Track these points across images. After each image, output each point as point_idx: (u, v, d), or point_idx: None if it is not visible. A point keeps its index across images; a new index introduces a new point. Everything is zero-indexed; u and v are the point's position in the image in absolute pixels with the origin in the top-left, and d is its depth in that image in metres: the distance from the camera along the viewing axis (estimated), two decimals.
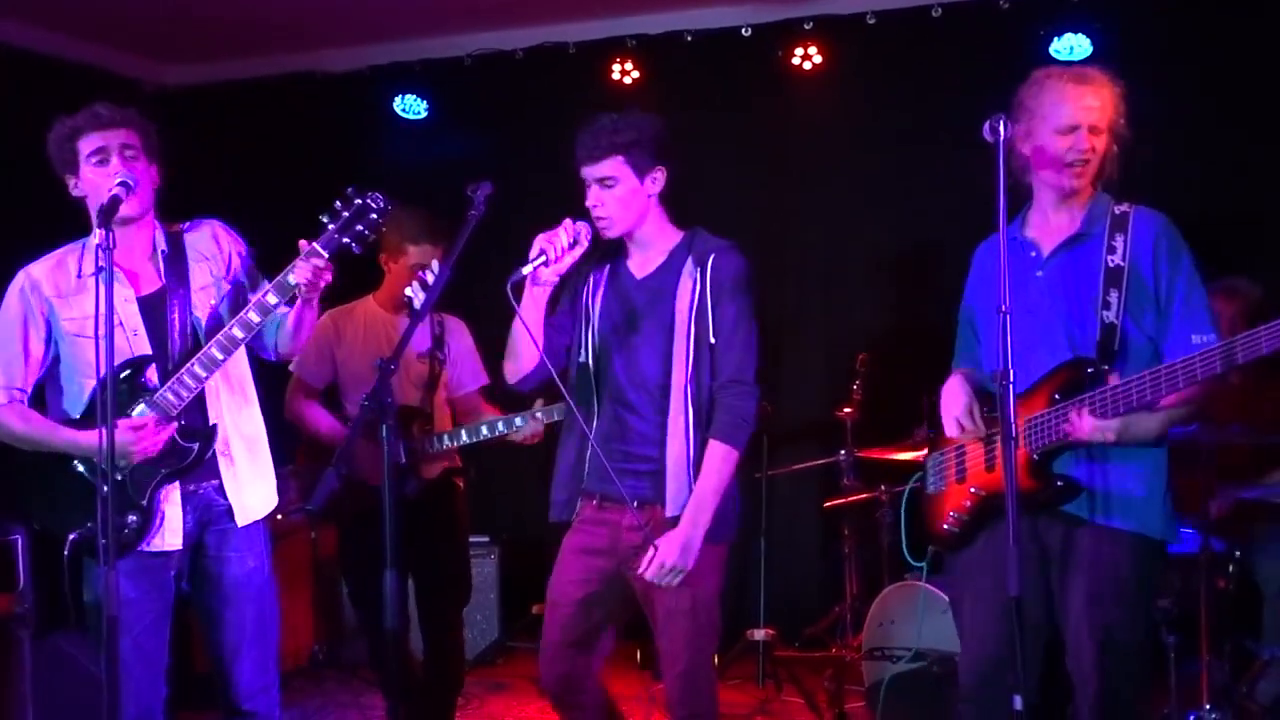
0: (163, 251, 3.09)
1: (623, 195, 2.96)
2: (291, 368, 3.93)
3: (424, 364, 3.97)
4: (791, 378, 5.75)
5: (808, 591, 5.68)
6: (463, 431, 3.92)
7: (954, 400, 2.91)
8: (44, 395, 3.10)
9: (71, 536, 2.96)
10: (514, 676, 5.41)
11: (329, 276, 3.01)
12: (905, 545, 3.31)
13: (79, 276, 3.03)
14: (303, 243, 3.00)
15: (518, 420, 3.85)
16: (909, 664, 4.15)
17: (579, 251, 2.97)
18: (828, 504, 4.95)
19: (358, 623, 4.59)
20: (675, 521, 2.90)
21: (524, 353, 3.01)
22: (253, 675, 3.10)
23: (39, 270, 3.06)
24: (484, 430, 3.89)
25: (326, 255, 2.98)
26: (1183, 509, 4.01)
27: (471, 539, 4.35)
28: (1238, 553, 3.91)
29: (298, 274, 2.97)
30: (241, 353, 3.12)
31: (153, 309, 3.04)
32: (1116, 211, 2.79)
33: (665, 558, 2.85)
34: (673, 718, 3.03)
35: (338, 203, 3.02)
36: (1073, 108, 2.73)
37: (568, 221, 2.96)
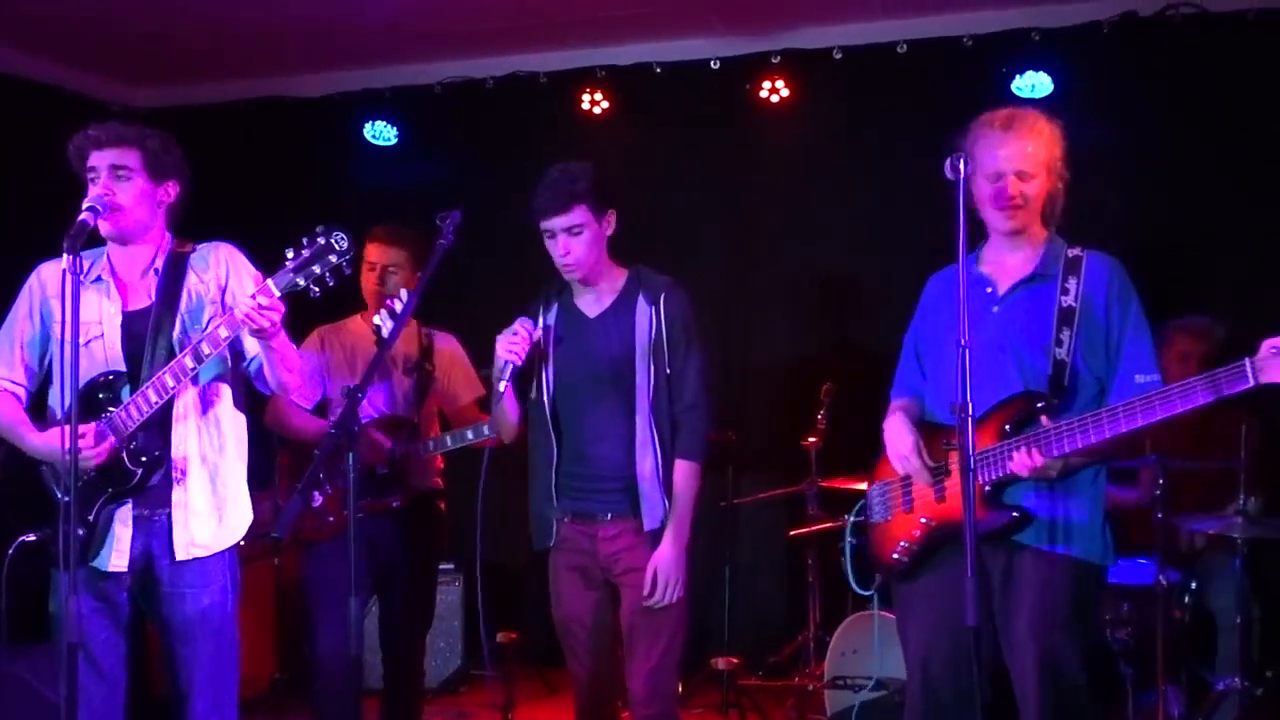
0: (157, 270, 3.09)
1: (589, 240, 3.17)
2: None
3: (410, 376, 3.98)
4: (757, 407, 5.77)
5: (772, 620, 5.69)
6: (447, 437, 3.90)
7: (900, 440, 2.98)
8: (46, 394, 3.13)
9: (20, 538, 2.95)
10: (477, 705, 5.37)
11: (276, 316, 2.87)
12: (851, 574, 3.42)
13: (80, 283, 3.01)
14: (257, 277, 2.96)
15: (485, 429, 3.81)
16: (871, 693, 4.18)
17: (534, 338, 3.17)
18: (793, 533, 4.97)
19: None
20: (653, 535, 3.09)
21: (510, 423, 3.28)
22: (205, 714, 3.02)
23: (49, 269, 3.08)
24: (469, 434, 3.85)
25: (277, 293, 2.86)
26: (1139, 541, 4.10)
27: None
28: (1193, 584, 3.95)
29: (238, 311, 2.87)
30: (223, 381, 3.10)
31: (135, 326, 3.03)
32: (1070, 255, 2.91)
33: (668, 575, 3.07)
34: (637, 718, 3.14)
35: (304, 239, 2.89)
36: (997, 155, 2.85)
37: (521, 322, 3.14)
